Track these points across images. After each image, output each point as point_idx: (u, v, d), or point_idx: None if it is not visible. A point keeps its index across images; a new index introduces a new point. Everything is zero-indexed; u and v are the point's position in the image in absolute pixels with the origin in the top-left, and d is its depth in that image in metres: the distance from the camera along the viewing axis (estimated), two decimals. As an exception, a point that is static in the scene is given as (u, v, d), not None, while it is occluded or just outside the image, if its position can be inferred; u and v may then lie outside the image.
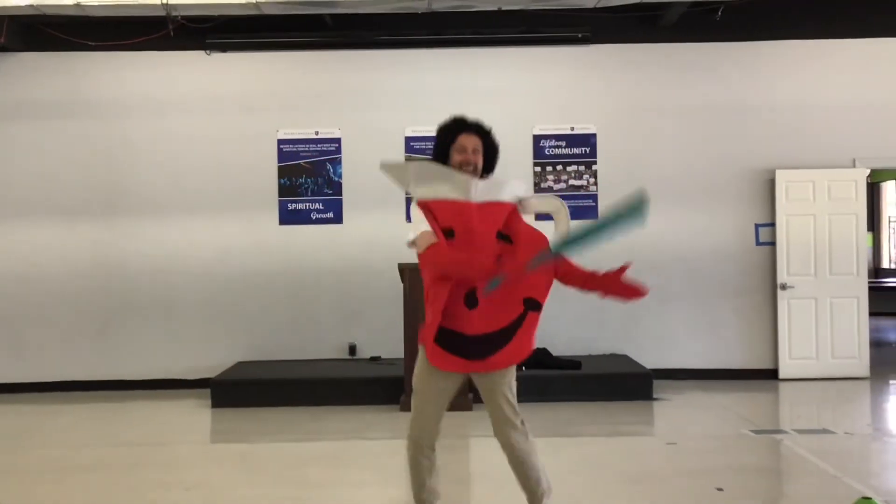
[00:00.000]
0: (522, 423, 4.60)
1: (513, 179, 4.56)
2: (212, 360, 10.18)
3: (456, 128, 4.66)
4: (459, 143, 4.61)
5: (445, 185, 4.36)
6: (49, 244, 10.41)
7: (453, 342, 4.44)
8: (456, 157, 4.60)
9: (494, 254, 4.31)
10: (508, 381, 4.59)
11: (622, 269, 4.46)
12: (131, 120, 10.43)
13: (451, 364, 4.49)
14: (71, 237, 10.42)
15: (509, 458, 4.61)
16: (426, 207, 4.40)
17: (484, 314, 4.37)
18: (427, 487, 4.63)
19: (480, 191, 4.35)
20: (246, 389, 9.38)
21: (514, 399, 4.61)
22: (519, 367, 4.79)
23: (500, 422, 4.58)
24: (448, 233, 4.32)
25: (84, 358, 10.38)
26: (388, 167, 4.47)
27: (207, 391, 9.39)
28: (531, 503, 4.67)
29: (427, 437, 4.58)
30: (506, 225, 4.41)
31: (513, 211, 4.45)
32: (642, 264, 10.22)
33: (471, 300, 4.37)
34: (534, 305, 4.52)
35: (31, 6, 8.70)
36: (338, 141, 10.47)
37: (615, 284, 4.49)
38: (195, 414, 9.09)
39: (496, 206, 4.39)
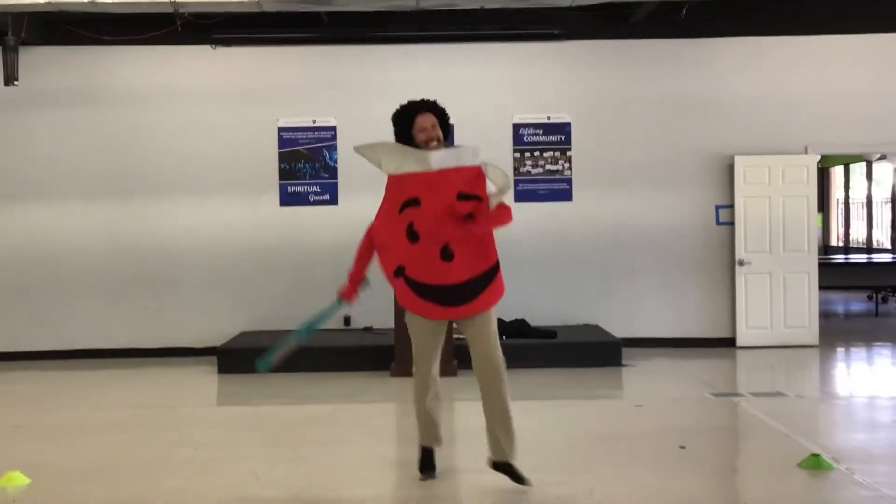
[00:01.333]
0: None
1: (468, 145, 4.83)
2: (218, 330, 10.14)
3: (412, 111, 4.83)
4: (419, 124, 4.77)
5: (410, 161, 4.68)
6: (68, 223, 10.34)
7: (435, 294, 4.70)
8: (420, 136, 4.76)
9: (455, 212, 4.58)
10: (495, 325, 4.84)
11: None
12: (143, 109, 10.34)
13: (436, 313, 4.75)
14: (88, 217, 10.35)
15: (491, 401, 4.80)
16: (394, 182, 4.73)
17: (462, 264, 4.64)
18: (436, 423, 4.99)
19: (441, 160, 4.64)
20: (249, 357, 9.18)
21: (498, 344, 4.84)
22: (500, 336, 5.00)
23: (490, 363, 4.79)
24: (414, 201, 4.63)
25: (100, 327, 10.33)
26: (361, 148, 4.82)
27: (214, 358, 9.38)
28: (506, 449, 4.83)
29: (429, 375, 4.90)
30: (471, 186, 4.65)
31: (478, 174, 4.70)
32: (613, 242, 10.34)
33: (446, 254, 4.64)
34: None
35: (49, 3, 8.57)
36: (333, 129, 10.40)
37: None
38: (203, 379, 9.08)
39: (458, 171, 4.66)
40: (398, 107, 4.92)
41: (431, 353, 4.90)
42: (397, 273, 4.85)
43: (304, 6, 8.97)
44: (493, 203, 4.68)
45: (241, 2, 8.82)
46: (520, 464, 4.90)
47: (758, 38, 10.38)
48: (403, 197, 4.69)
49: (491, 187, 4.73)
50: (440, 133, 4.79)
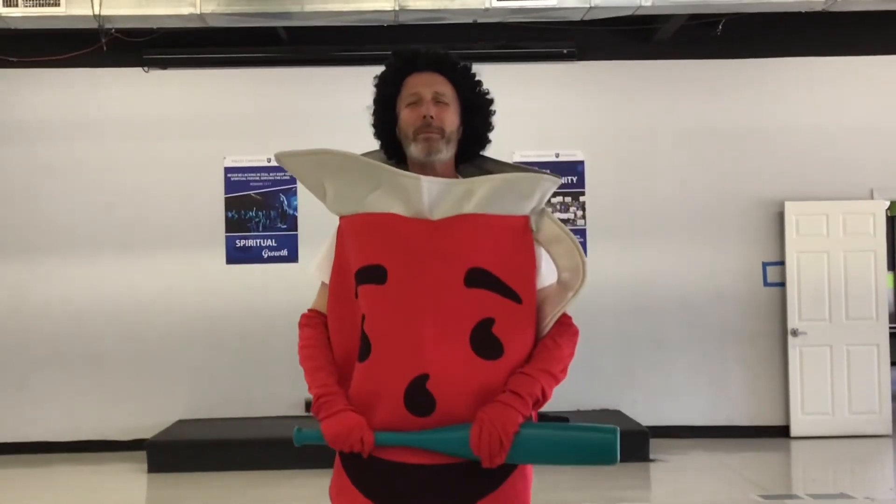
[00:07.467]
0: None
1: (526, 172, 3.02)
2: (148, 419, 10.09)
3: (403, 68, 2.98)
4: (409, 89, 2.95)
5: (380, 192, 2.87)
6: (-38, 286, 10.35)
7: (385, 485, 2.82)
8: (405, 114, 2.93)
9: (463, 310, 2.79)
10: None
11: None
12: (58, 145, 10.38)
13: None
14: (-13, 278, 10.36)
15: None
16: (347, 228, 2.95)
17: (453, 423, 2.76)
18: None
19: (442, 196, 2.84)
20: (186, 452, 9.29)
21: None
22: None
23: None
24: (376, 274, 2.83)
25: (0, 417, 10.27)
26: (288, 158, 2.95)
27: (143, 454, 9.30)
28: None
29: None
30: (502, 259, 2.84)
31: (524, 234, 2.90)
32: (636, 308, 10.36)
33: (420, 396, 2.76)
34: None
35: (-55, 17, 8.67)
36: (293, 169, 10.44)
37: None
38: (128, 480, 9.00)
39: (477, 222, 2.85)
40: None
41: None
42: None
43: (258, 20, 9.06)
44: (563, 308, 2.91)
45: (180, 15, 8.90)
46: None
47: (813, 59, 10.50)
48: (359, 261, 2.88)
49: (546, 273, 2.94)
50: (449, 117, 2.95)
